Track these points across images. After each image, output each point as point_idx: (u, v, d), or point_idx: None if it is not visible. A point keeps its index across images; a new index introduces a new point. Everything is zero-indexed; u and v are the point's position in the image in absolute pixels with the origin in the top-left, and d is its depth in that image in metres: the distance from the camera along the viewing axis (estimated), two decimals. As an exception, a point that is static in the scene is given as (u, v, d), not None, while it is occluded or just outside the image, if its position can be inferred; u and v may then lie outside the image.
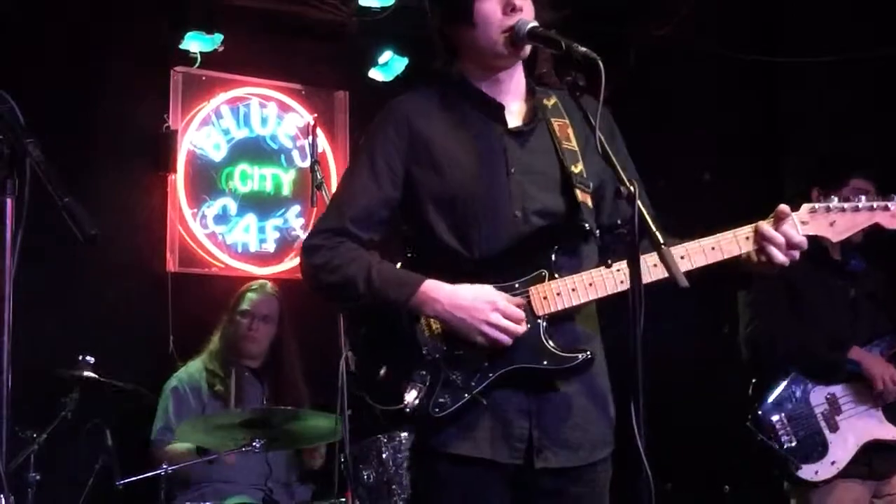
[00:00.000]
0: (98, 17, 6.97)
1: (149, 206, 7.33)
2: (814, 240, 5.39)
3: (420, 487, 3.37)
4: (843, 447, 5.29)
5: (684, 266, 3.14)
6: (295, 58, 7.90)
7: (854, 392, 5.38)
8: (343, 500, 5.60)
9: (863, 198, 3.33)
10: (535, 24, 3.22)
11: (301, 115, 7.88)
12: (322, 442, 6.11)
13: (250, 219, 7.71)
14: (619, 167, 2.90)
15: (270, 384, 6.46)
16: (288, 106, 7.93)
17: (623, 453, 3.19)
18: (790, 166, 7.22)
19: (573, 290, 3.22)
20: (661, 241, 2.82)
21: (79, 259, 6.19)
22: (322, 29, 7.81)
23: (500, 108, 3.38)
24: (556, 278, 3.23)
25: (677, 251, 3.17)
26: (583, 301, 3.22)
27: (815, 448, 5.29)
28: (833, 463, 5.26)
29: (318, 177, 5.57)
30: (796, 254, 3.21)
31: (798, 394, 5.38)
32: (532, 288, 3.23)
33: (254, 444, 5.50)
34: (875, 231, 5.43)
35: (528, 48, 3.32)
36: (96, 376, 5.75)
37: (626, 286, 3.13)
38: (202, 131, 7.60)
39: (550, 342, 3.21)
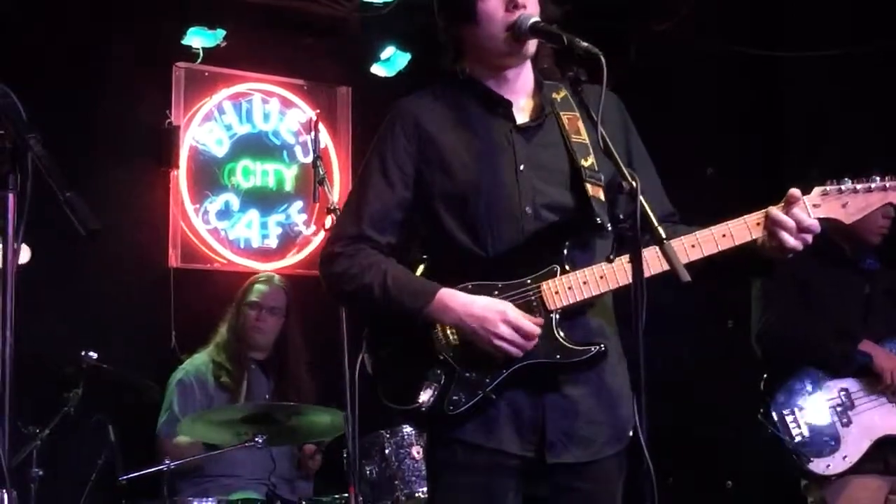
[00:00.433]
0: (100, 13, 6.96)
1: (151, 202, 7.32)
2: (828, 240, 5.45)
3: (435, 474, 3.38)
4: (855, 442, 5.28)
5: (695, 255, 3.18)
6: (297, 53, 7.89)
7: (867, 387, 5.37)
8: (346, 495, 5.59)
9: (876, 178, 3.30)
10: (537, 18, 3.23)
11: (303, 111, 7.88)
12: (326, 437, 6.11)
13: (253, 214, 7.71)
14: (621, 162, 2.90)
15: (276, 378, 6.46)
16: (290, 101, 7.92)
17: (626, 448, 3.20)
18: (791, 162, 7.21)
19: (584, 283, 3.23)
20: (664, 236, 2.82)
21: (81, 254, 6.20)
22: (324, 24, 7.80)
23: (508, 105, 3.39)
24: (567, 273, 3.25)
25: (688, 240, 3.20)
26: (594, 294, 3.24)
27: (827, 442, 5.28)
28: (845, 457, 5.25)
29: (321, 172, 5.57)
30: (809, 237, 3.19)
31: (810, 388, 5.37)
32: (543, 283, 3.24)
33: (256, 439, 5.51)
34: (892, 234, 5.47)
35: (532, 45, 3.32)
36: (103, 367, 5.76)
37: (622, 279, 3.21)
38: (204, 127, 7.60)
39: (563, 336, 3.23)
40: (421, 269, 3.37)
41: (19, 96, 2.82)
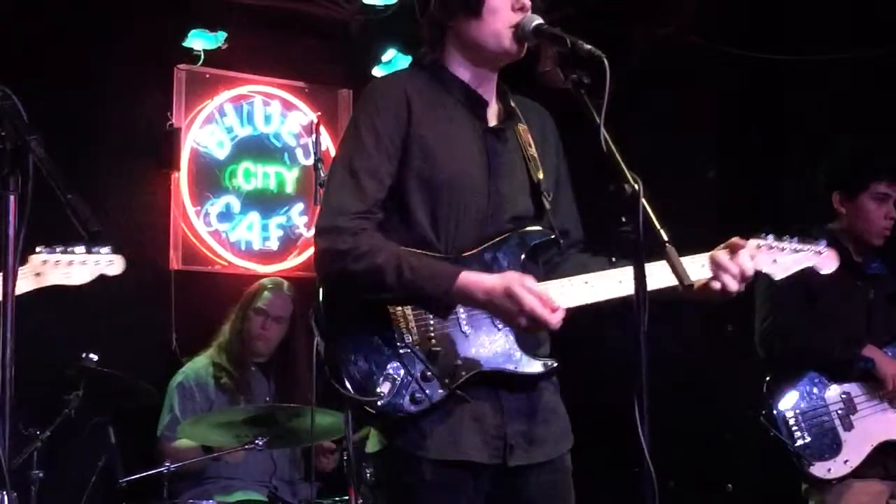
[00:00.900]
0: (101, 15, 6.97)
1: (152, 204, 7.33)
2: (835, 240, 5.47)
3: (400, 499, 3.26)
4: (856, 446, 5.27)
5: (589, 297, 3.24)
6: (298, 56, 7.90)
7: (870, 391, 5.36)
8: (346, 498, 5.59)
9: (796, 239, 3.53)
10: (541, 20, 3.23)
11: (304, 113, 7.88)
12: (325, 439, 6.11)
13: (254, 216, 7.71)
14: (622, 163, 2.89)
15: (277, 380, 6.46)
16: (291, 104, 7.93)
17: (626, 452, 3.19)
18: (791, 166, 7.21)
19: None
20: (665, 238, 2.82)
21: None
22: (326, 27, 7.81)
23: (485, 106, 3.38)
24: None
25: (627, 272, 3.19)
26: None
27: (829, 446, 5.27)
28: (846, 462, 5.24)
29: (322, 175, 5.57)
30: (742, 286, 3.27)
31: (813, 391, 5.37)
32: None
33: (256, 441, 5.50)
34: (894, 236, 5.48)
35: (526, 47, 3.31)
36: (100, 372, 5.75)
37: (589, 297, 3.24)
38: (206, 129, 7.60)
39: (519, 347, 3.22)
40: None
41: (20, 98, 2.82)
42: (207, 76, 7.60)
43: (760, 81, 7.55)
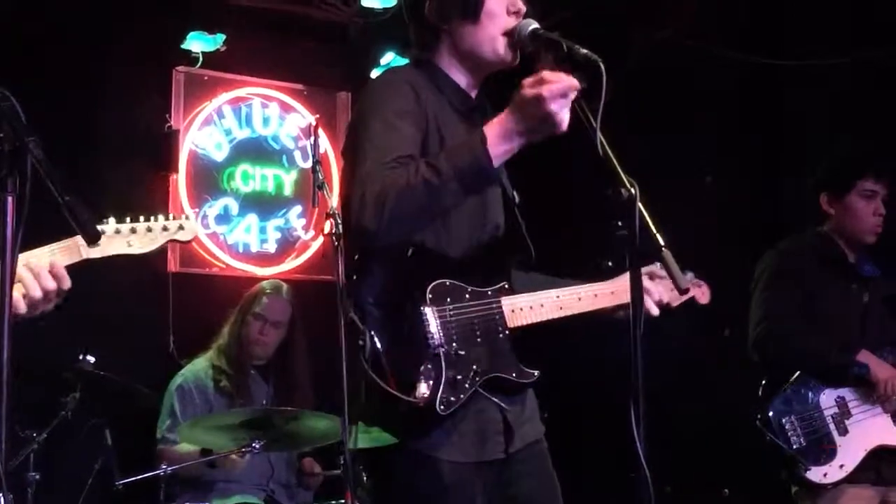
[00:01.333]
0: (100, 17, 6.97)
1: (150, 206, 7.20)
2: (831, 242, 5.48)
3: (413, 494, 3.25)
4: (851, 451, 5.28)
5: (563, 313, 3.36)
6: (297, 58, 7.91)
7: (864, 396, 5.37)
8: (343, 501, 5.59)
9: (690, 274, 3.62)
10: (537, 25, 3.24)
11: (303, 116, 7.89)
12: (323, 443, 6.09)
13: (252, 219, 7.72)
14: (618, 167, 2.89)
15: (276, 383, 6.45)
16: (290, 106, 7.94)
17: (623, 456, 3.19)
18: (789, 170, 7.21)
19: (531, 307, 3.30)
20: (662, 243, 2.83)
21: (80, 258, 6.19)
22: (324, 29, 7.82)
23: (475, 111, 3.40)
24: (515, 292, 3.30)
25: (579, 290, 3.41)
26: (550, 318, 3.33)
27: (824, 450, 5.27)
28: (842, 466, 5.25)
29: (320, 177, 5.55)
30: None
31: (808, 395, 5.37)
32: (504, 299, 3.27)
33: (253, 444, 5.50)
34: (891, 242, 5.51)
35: (519, 55, 3.33)
36: (98, 374, 5.75)
37: (581, 306, 3.36)
38: (204, 131, 7.61)
39: (516, 355, 3.27)
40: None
41: (19, 99, 2.82)
42: (206, 78, 7.61)
43: (760, 84, 7.55)
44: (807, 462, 5.23)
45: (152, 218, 3.99)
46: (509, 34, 3.26)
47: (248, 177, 7.75)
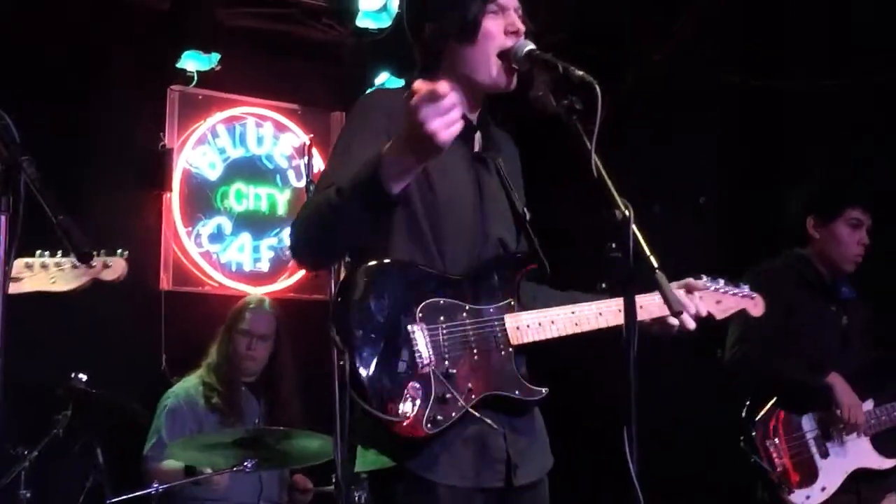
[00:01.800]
0: (95, 36, 6.98)
1: (144, 224, 7.32)
2: (810, 265, 5.49)
3: None
4: (832, 473, 5.29)
5: (601, 323, 3.32)
6: (291, 78, 7.92)
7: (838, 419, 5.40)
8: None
9: (725, 282, 3.69)
10: (533, 46, 3.25)
11: (297, 135, 7.90)
12: (314, 462, 6.08)
13: (245, 238, 7.72)
14: (612, 189, 2.89)
15: (267, 400, 6.44)
16: (284, 126, 7.94)
17: (615, 478, 3.18)
18: (788, 191, 7.23)
19: (539, 324, 3.27)
20: (655, 264, 2.83)
21: (72, 276, 6.18)
22: (319, 49, 7.83)
23: (474, 131, 3.41)
24: (522, 309, 3.28)
25: (599, 306, 3.34)
26: (556, 335, 3.29)
27: (806, 473, 5.29)
28: (823, 489, 5.26)
29: (314, 197, 5.56)
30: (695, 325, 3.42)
31: (790, 417, 5.38)
32: (507, 316, 3.25)
33: (245, 464, 5.48)
34: (865, 263, 5.53)
35: (516, 80, 3.33)
36: (89, 392, 5.74)
37: (598, 322, 3.31)
38: (198, 150, 7.61)
39: (520, 373, 3.25)
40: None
41: (13, 118, 2.82)
42: (200, 97, 7.62)
43: (755, 108, 7.57)
44: (790, 485, 5.24)
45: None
46: (505, 55, 3.27)
47: (241, 196, 7.75)
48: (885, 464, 5.40)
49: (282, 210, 7.88)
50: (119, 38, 7.10)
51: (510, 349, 3.23)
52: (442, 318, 3.17)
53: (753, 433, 5.35)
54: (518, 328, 3.24)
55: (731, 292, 3.69)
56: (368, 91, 7.35)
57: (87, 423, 5.75)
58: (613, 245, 2.84)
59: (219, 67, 7.29)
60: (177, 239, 7.40)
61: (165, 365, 7.00)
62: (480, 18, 3.27)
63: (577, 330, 3.29)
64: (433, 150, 2.85)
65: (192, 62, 7.22)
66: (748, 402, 5.47)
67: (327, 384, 4.50)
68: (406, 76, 3.97)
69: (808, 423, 5.36)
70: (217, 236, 7.62)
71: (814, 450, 5.31)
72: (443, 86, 2.79)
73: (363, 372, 3.05)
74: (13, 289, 3.40)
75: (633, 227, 2.80)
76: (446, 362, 3.13)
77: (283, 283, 7.70)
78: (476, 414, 3.14)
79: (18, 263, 3.73)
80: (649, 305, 3.26)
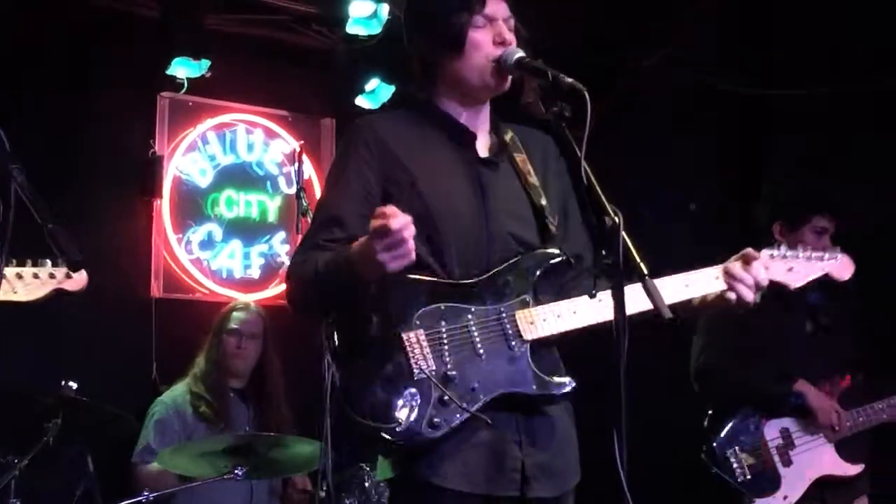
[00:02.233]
0: (85, 43, 6.97)
1: (134, 232, 7.31)
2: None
3: None
4: (795, 482, 5.34)
5: (607, 316, 3.18)
6: (282, 84, 7.91)
7: (806, 426, 5.44)
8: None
9: (817, 251, 3.56)
10: (523, 54, 3.28)
11: (287, 142, 7.89)
12: (306, 470, 6.07)
13: (235, 245, 7.71)
14: (602, 195, 2.90)
15: (256, 406, 6.44)
16: (274, 132, 7.94)
17: (604, 485, 3.18)
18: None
19: (558, 316, 3.25)
20: (645, 272, 2.83)
21: (62, 284, 6.17)
22: (309, 56, 7.83)
23: (473, 138, 3.44)
24: (539, 304, 3.26)
25: (674, 281, 3.27)
26: (568, 328, 3.25)
27: (769, 482, 5.32)
28: (785, 498, 5.30)
29: (304, 203, 5.57)
30: (758, 296, 3.33)
31: (752, 427, 5.42)
32: (518, 312, 3.24)
33: (236, 471, 5.48)
34: (863, 261, 5.52)
35: (509, 81, 3.36)
36: (80, 400, 5.72)
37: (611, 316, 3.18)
38: (188, 157, 7.60)
39: (537, 368, 3.22)
40: None
41: (3, 126, 2.82)
42: (190, 104, 7.61)
43: (746, 115, 7.59)
44: (752, 494, 5.27)
45: (39, 262, 3.79)
46: (495, 63, 3.31)
47: (232, 202, 7.75)
48: (851, 470, 5.44)
49: (272, 217, 7.87)
50: (109, 45, 7.09)
51: (524, 345, 3.22)
52: (443, 322, 3.18)
53: (714, 444, 5.38)
54: (532, 323, 3.23)
55: (807, 258, 3.55)
56: (365, 97, 7.46)
57: (77, 431, 5.72)
58: (604, 252, 2.85)
59: (209, 74, 7.28)
60: (167, 246, 7.39)
61: (156, 372, 6.98)
62: (467, 30, 3.31)
63: (600, 319, 3.23)
64: (388, 272, 2.99)
65: (183, 69, 7.21)
66: (709, 412, 5.50)
67: (316, 391, 4.50)
68: (396, 82, 4.02)
69: (770, 432, 5.40)
70: (207, 243, 7.61)
71: (776, 459, 5.35)
72: (395, 221, 2.90)
73: (357, 384, 3.10)
74: None
75: (623, 233, 2.80)
76: (448, 364, 3.14)
77: (274, 289, 7.69)
78: (481, 416, 3.12)
79: None
80: (700, 282, 3.30)
